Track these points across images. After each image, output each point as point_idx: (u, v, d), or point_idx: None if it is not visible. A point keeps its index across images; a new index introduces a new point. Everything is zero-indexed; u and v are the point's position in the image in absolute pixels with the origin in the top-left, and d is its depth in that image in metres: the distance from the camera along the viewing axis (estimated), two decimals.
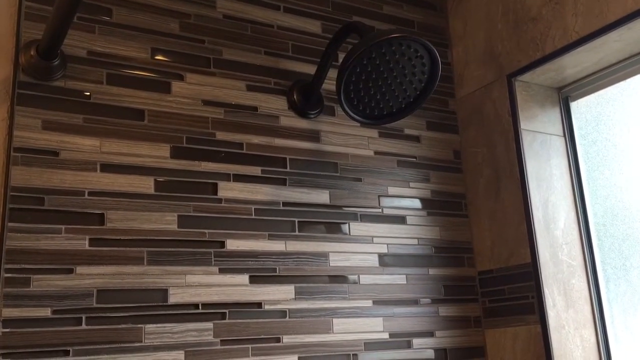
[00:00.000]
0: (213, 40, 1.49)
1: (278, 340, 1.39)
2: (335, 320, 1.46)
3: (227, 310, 1.35)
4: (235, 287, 1.37)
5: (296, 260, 1.46)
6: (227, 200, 1.41)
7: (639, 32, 1.45)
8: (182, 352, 1.28)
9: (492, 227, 1.68)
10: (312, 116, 1.57)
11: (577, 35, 1.51)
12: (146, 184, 1.33)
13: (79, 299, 1.21)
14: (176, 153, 1.38)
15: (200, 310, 1.32)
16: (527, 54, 1.63)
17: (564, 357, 1.52)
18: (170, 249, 1.32)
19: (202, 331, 1.31)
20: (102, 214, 1.27)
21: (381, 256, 1.57)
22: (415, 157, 1.71)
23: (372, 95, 1.35)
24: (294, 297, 1.43)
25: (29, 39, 1.27)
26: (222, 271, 1.36)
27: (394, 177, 1.65)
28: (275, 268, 1.43)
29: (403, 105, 1.39)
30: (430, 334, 1.59)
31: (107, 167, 1.30)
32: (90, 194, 1.27)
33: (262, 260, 1.41)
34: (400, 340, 1.54)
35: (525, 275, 1.58)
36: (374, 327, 1.51)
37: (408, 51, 1.29)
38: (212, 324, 1.32)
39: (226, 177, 1.42)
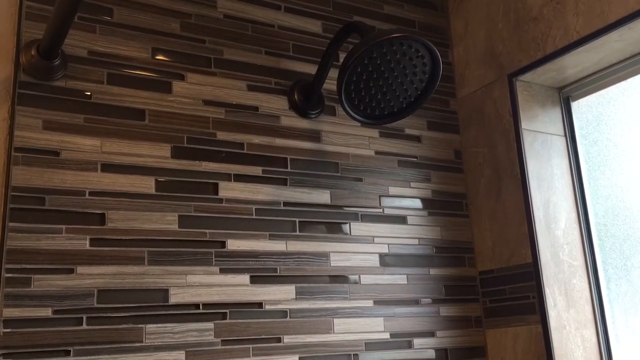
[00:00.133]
0: (214, 40, 1.48)
1: (279, 340, 1.39)
2: (336, 320, 1.46)
3: (227, 310, 1.35)
4: (236, 287, 1.37)
5: (297, 260, 1.45)
6: (228, 200, 1.41)
7: None
8: (183, 352, 1.28)
9: (493, 227, 1.68)
10: (312, 116, 1.57)
11: (578, 35, 1.51)
12: (147, 184, 1.33)
13: (79, 299, 1.21)
14: (177, 153, 1.38)
15: (201, 310, 1.32)
16: (528, 54, 1.63)
17: (565, 357, 1.52)
18: (171, 249, 1.32)
19: (202, 331, 1.31)
20: (103, 214, 1.27)
21: (382, 256, 1.57)
22: (416, 157, 1.70)
23: (373, 95, 1.35)
24: (294, 297, 1.43)
25: (30, 38, 1.27)
26: (223, 271, 1.36)
27: (394, 177, 1.65)
28: (276, 268, 1.43)
29: (404, 105, 1.39)
30: (431, 334, 1.59)
31: (107, 167, 1.30)
32: (91, 194, 1.27)
33: (263, 260, 1.41)
34: (401, 340, 1.54)
35: (526, 275, 1.58)
36: (375, 327, 1.51)
37: (409, 51, 1.29)
38: (212, 324, 1.32)
39: (227, 177, 1.42)
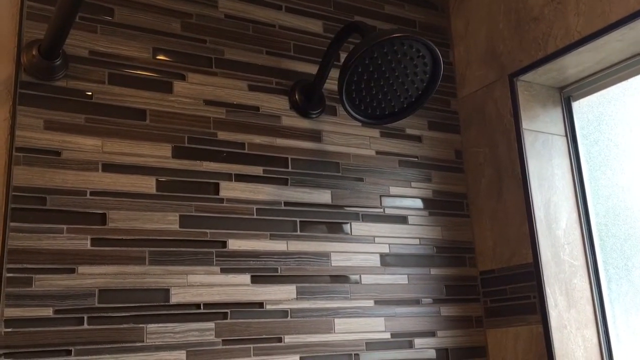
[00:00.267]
0: (215, 40, 1.49)
1: (280, 340, 1.39)
2: (336, 320, 1.46)
3: (228, 310, 1.35)
4: (237, 287, 1.37)
5: (298, 260, 1.46)
6: (229, 200, 1.41)
7: None
8: (184, 352, 1.28)
9: (493, 227, 1.68)
10: (313, 116, 1.57)
11: (579, 35, 1.51)
12: (148, 184, 1.33)
13: (80, 298, 1.21)
14: (178, 153, 1.38)
15: (201, 310, 1.32)
16: (529, 54, 1.63)
17: (566, 357, 1.52)
18: (172, 249, 1.32)
19: (203, 331, 1.31)
20: (104, 213, 1.27)
21: (383, 256, 1.57)
22: (416, 157, 1.70)
23: (373, 95, 1.35)
24: (295, 297, 1.43)
25: (31, 38, 1.27)
26: (224, 271, 1.36)
27: (395, 177, 1.65)
28: (277, 268, 1.43)
29: (405, 105, 1.39)
30: (431, 334, 1.59)
31: (108, 167, 1.30)
32: (92, 193, 1.27)
33: (264, 260, 1.41)
34: (401, 340, 1.54)
35: (527, 275, 1.58)
36: (376, 327, 1.51)
37: (410, 51, 1.29)
38: (213, 324, 1.32)
39: (228, 177, 1.42)
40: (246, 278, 1.38)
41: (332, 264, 1.50)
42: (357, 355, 1.47)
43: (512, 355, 1.60)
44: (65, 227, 1.23)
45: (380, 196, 1.61)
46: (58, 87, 1.29)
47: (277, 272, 1.42)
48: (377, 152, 1.64)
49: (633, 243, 1.57)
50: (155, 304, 1.28)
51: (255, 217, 1.43)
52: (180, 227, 1.34)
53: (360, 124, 1.61)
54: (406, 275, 1.59)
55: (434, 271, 1.64)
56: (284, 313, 1.41)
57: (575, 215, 1.65)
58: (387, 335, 1.52)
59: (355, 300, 1.50)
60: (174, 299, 1.30)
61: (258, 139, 1.48)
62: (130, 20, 1.39)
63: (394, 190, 1.64)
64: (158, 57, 1.41)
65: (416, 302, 1.59)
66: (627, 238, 1.58)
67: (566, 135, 1.70)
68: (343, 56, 1.38)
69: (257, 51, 1.54)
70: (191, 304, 1.31)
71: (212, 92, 1.45)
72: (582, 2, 1.51)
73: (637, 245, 1.56)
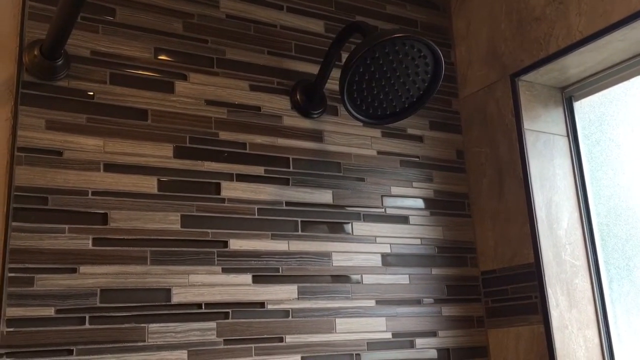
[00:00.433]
0: (216, 40, 1.49)
1: (281, 340, 1.39)
2: (338, 320, 1.46)
3: (230, 310, 1.35)
4: (238, 286, 1.37)
5: (299, 260, 1.46)
6: (230, 200, 1.41)
7: None
8: (185, 351, 1.28)
9: (495, 227, 1.68)
10: (315, 116, 1.57)
11: (580, 35, 1.51)
12: (149, 184, 1.33)
13: (82, 298, 1.21)
14: (179, 153, 1.38)
15: (203, 310, 1.32)
16: (531, 54, 1.63)
17: (567, 357, 1.52)
18: (173, 249, 1.32)
19: (205, 331, 1.31)
20: (106, 213, 1.27)
21: (384, 256, 1.57)
22: (418, 157, 1.70)
23: (375, 95, 1.35)
24: (296, 296, 1.43)
25: (33, 38, 1.27)
26: (225, 271, 1.36)
27: (397, 177, 1.65)
28: (278, 268, 1.43)
29: (406, 105, 1.39)
30: (433, 333, 1.59)
31: (110, 167, 1.30)
32: (93, 193, 1.27)
33: (265, 260, 1.41)
34: (403, 340, 1.54)
35: (529, 275, 1.58)
36: (377, 327, 1.51)
37: (411, 51, 1.29)
38: (215, 324, 1.32)
39: (229, 177, 1.42)
40: (247, 278, 1.38)
41: (334, 264, 1.50)
42: (358, 355, 1.47)
43: (514, 356, 1.60)
44: (67, 226, 1.23)
45: (382, 196, 1.61)
46: (60, 87, 1.29)
47: (279, 272, 1.42)
48: (379, 152, 1.64)
49: (634, 243, 1.57)
50: (156, 303, 1.28)
51: (256, 217, 1.43)
52: (181, 227, 1.34)
53: (361, 124, 1.61)
54: (407, 275, 1.59)
55: (435, 271, 1.64)
56: (285, 313, 1.41)
57: (576, 215, 1.64)
58: (389, 335, 1.52)
59: (356, 300, 1.50)
60: (175, 299, 1.30)
61: (259, 139, 1.48)
62: (131, 21, 1.39)
63: (395, 190, 1.64)
64: (160, 57, 1.41)
65: (417, 302, 1.59)
66: (629, 238, 1.58)
67: (568, 136, 1.70)
68: (344, 56, 1.38)
69: (258, 51, 1.54)
70: (192, 303, 1.31)
71: (214, 92, 1.45)
72: (584, 2, 1.51)
73: (638, 246, 1.56)
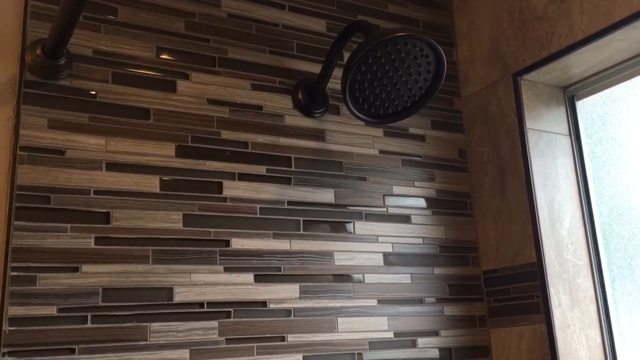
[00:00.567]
0: (218, 39, 1.49)
1: (283, 339, 1.39)
2: (340, 319, 1.46)
3: (232, 309, 1.35)
4: (240, 286, 1.37)
5: (301, 259, 1.46)
6: (232, 199, 1.41)
7: None
8: (187, 350, 1.28)
9: (497, 226, 1.68)
10: (317, 115, 1.57)
11: (583, 34, 1.51)
12: (151, 183, 1.33)
13: (84, 297, 1.21)
14: (181, 152, 1.38)
15: (205, 309, 1.32)
16: (533, 53, 1.62)
17: (570, 356, 1.52)
18: (175, 248, 1.32)
19: (207, 330, 1.31)
20: (108, 212, 1.27)
21: (386, 255, 1.57)
22: (420, 156, 1.70)
23: (377, 94, 1.35)
24: (298, 296, 1.43)
25: (35, 38, 1.28)
26: (227, 270, 1.36)
27: (398, 176, 1.65)
28: (280, 267, 1.43)
29: (408, 104, 1.39)
30: (435, 333, 1.59)
31: (112, 166, 1.30)
32: (95, 192, 1.27)
33: (267, 259, 1.42)
34: (405, 339, 1.54)
35: (531, 275, 1.58)
36: (379, 326, 1.51)
37: (413, 50, 1.29)
38: (217, 323, 1.32)
39: (231, 176, 1.42)
40: (249, 277, 1.38)
41: (335, 263, 1.50)
42: (360, 354, 1.47)
43: (516, 355, 1.60)
44: (69, 226, 1.23)
45: (384, 195, 1.61)
46: (62, 87, 1.29)
47: (281, 271, 1.42)
48: (381, 152, 1.64)
49: (637, 242, 1.57)
50: (158, 302, 1.28)
51: (258, 216, 1.43)
52: (183, 226, 1.34)
53: (363, 123, 1.61)
54: (409, 275, 1.59)
55: (437, 270, 1.64)
56: (287, 312, 1.41)
57: (579, 214, 1.64)
58: (391, 335, 1.52)
59: (358, 299, 1.50)
60: (177, 298, 1.30)
61: (261, 138, 1.48)
62: (133, 20, 1.39)
63: (397, 189, 1.64)
64: (161, 57, 1.41)
65: (419, 301, 1.59)
66: (631, 237, 1.58)
67: (570, 135, 1.70)
68: (346, 55, 1.38)
69: (260, 50, 1.54)
70: (194, 302, 1.31)
71: (216, 91, 1.45)
72: (586, 1, 1.50)
73: None
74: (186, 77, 1.43)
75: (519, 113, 1.64)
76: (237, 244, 1.39)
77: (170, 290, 1.30)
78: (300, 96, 1.54)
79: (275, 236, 1.44)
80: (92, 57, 1.33)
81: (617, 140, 1.63)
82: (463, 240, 1.71)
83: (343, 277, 1.50)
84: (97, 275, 1.23)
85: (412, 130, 1.71)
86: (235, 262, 1.38)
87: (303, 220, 1.48)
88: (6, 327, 1.14)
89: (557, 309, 1.54)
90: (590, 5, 1.50)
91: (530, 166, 1.61)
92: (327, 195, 1.53)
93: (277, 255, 1.43)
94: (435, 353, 1.57)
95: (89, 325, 1.21)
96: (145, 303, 1.26)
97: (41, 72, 1.26)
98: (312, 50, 1.61)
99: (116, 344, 1.22)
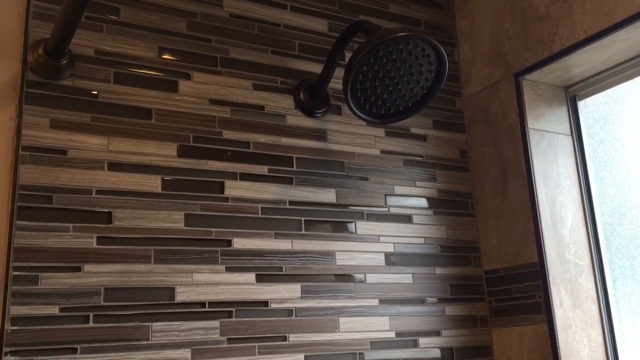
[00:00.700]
0: (220, 39, 1.49)
1: (284, 338, 1.39)
2: (341, 319, 1.46)
3: (233, 309, 1.35)
4: (242, 285, 1.37)
5: (302, 259, 1.46)
6: (234, 199, 1.41)
7: None
8: (189, 350, 1.28)
9: (498, 226, 1.68)
10: (318, 115, 1.57)
11: (585, 34, 1.50)
12: (153, 183, 1.33)
13: (86, 297, 1.21)
14: (183, 152, 1.38)
15: (206, 309, 1.32)
16: (535, 53, 1.62)
17: (571, 356, 1.52)
18: (177, 248, 1.32)
19: (208, 329, 1.31)
20: (110, 212, 1.28)
21: (387, 255, 1.57)
22: (421, 156, 1.70)
23: (378, 94, 1.35)
24: (300, 295, 1.43)
25: (37, 38, 1.28)
26: (229, 270, 1.37)
27: (400, 176, 1.65)
28: (282, 267, 1.43)
29: (410, 104, 1.39)
30: (436, 333, 1.59)
31: (114, 166, 1.30)
32: (97, 192, 1.27)
33: (269, 259, 1.42)
34: (406, 339, 1.54)
35: (532, 275, 1.58)
36: (380, 326, 1.51)
37: (415, 50, 1.29)
38: (218, 323, 1.33)
39: (233, 175, 1.43)
40: (251, 277, 1.39)
41: (337, 263, 1.50)
42: (361, 354, 1.47)
43: (517, 355, 1.60)
44: (71, 225, 1.23)
45: (385, 195, 1.61)
46: (64, 86, 1.29)
47: (282, 271, 1.43)
48: (382, 152, 1.64)
49: (639, 243, 1.56)
50: (160, 302, 1.28)
51: (260, 216, 1.43)
52: (185, 225, 1.34)
53: (365, 123, 1.61)
54: (411, 275, 1.59)
55: (438, 270, 1.64)
56: (289, 312, 1.41)
57: (580, 214, 1.64)
58: (392, 335, 1.52)
59: (360, 299, 1.50)
60: (179, 298, 1.30)
61: (263, 138, 1.48)
62: (135, 20, 1.40)
63: (398, 189, 1.64)
64: (163, 57, 1.41)
65: (421, 301, 1.59)
66: (633, 237, 1.58)
67: (572, 135, 1.70)
68: (348, 55, 1.38)
69: (262, 50, 1.54)
70: (196, 302, 1.31)
71: (217, 91, 1.46)
72: (588, 1, 1.50)
73: None
74: (188, 77, 1.43)
75: (520, 113, 1.64)
76: (239, 243, 1.39)
77: (172, 290, 1.30)
78: (301, 96, 1.54)
79: (277, 236, 1.44)
80: (94, 57, 1.33)
81: (619, 140, 1.63)
82: (464, 240, 1.71)
83: (344, 277, 1.50)
84: (99, 274, 1.24)
85: (413, 130, 1.71)
86: (237, 262, 1.38)
87: (305, 220, 1.48)
88: (8, 327, 1.14)
89: (559, 309, 1.54)
90: (592, 5, 1.50)
91: (532, 166, 1.61)
92: (328, 195, 1.53)
93: (279, 255, 1.43)
94: (436, 353, 1.57)
95: (91, 324, 1.21)
96: (147, 303, 1.27)
97: (43, 72, 1.26)
98: (313, 50, 1.61)
99: (118, 343, 1.22)
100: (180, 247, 1.33)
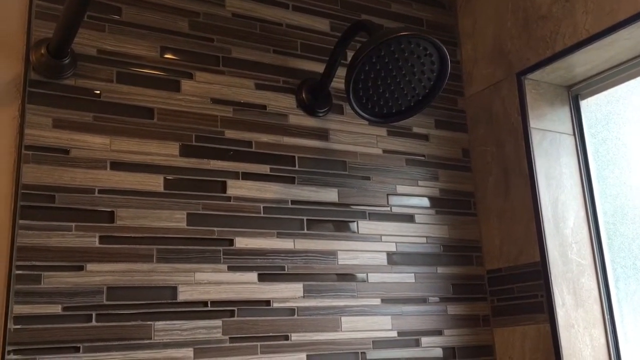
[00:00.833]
0: (222, 38, 1.49)
1: (286, 338, 1.39)
2: (343, 319, 1.46)
3: (235, 308, 1.35)
4: (244, 284, 1.37)
5: (305, 259, 1.46)
6: (236, 198, 1.41)
7: None
8: (191, 349, 1.28)
9: (501, 225, 1.68)
10: (320, 114, 1.57)
11: (587, 33, 1.50)
12: (155, 182, 1.33)
13: (89, 296, 1.22)
14: (185, 151, 1.38)
15: (209, 308, 1.32)
16: (537, 52, 1.62)
17: (573, 356, 1.52)
18: (179, 247, 1.32)
19: (211, 329, 1.31)
20: (112, 211, 1.28)
21: (390, 254, 1.57)
22: (424, 156, 1.70)
23: (380, 94, 1.35)
24: (302, 295, 1.43)
25: (40, 37, 1.28)
26: (231, 269, 1.37)
27: (402, 175, 1.65)
28: (284, 266, 1.43)
29: (412, 104, 1.39)
30: (438, 332, 1.59)
31: (116, 165, 1.30)
32: (100, 191, 1.27)
33: (271, 259, 1.42)
34: (408, 338, 1.54)
35: (535, 274, 1.58)
36: (383, 326, 1.51)
37: (417, 49, 1.29)
38: (221, 322, 1.33)
39: (235, 175, 1.43)
40: (253, 276, 1.39)
41: (339, 263, 1.50)
42: (363, 353, 1.47)
43: (520, 354, 1.60)
44: (73, 224, 1.23)
45: (387, 195, 1.61)
46: (66, 86, 1.29)
47: (284, 270, 1.43)
48: (384, 151, 1.64)
49: None
50: (162, 301, 1.28)
51: (262, 215, 1.43)
52: (187, 225, 1.34)
53: (367, 122, 1.61)
54: (413, 274, 1.59)
55: (440, 270, 1.64)
56: (291, 311, 1.41)
57: (583, 214, 1.64)
58: (394, 334, 1.52)
59: (362, 298, 1.50)
60: (181, 297, 1.30)
61: (265, 138, 1.49)
62: (138, 19, 1.40)
63: (400, 188, 1.64)
64: (166, 56, 1.42)
65: (423, 300, 1.59)
66: (635, 237, 1.58)
67: (574, 134, 1.70)
68: (350, 55, 1.38)
69: (264, 50, 1.54)
70: (198, 301, 1.32)
71: (220, 90, 1.46)
72: (590, 0, 1.50)
73: None
74: (190, 76, 1.43)
75: (522, 112, 1.64)
76: (241, 243, 1.39)
77: (174, 289, 1.30)
78: (304, 95, 1.54)
79: (279, 235, 1.44)
80: (97, 56, 1.34)
81: (622, 140, 1.63)
82: (467, 239, 1.71)
83: (347, 276, 1.50)
84: (101, 274, 1.24)
85: (415, 130, 1.71)
86: (239, 261, 1.38)
87: (307, 220, 1.48)
88: (11, 326, 1.14)
89: (561, 309, 1.54)
90: (594, 4, 1.49)
91: (534, 165, 1.61)
92: (330, 195, 1.53)
93: (281, 255, 1.43)
94: (438, 352, 1.57)
95: (94, 323, 1.21)
96: (149, 302, 1.27)
97: (46, 71, 1.26)
98: (315, 50, 1.61)
99: (120, 342, 1.22)
100: (182, 247, 1.33)
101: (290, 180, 1.49)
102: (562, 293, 1.55)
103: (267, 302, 1.39)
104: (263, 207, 1.44)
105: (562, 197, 1.62)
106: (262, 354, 1.35)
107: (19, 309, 1.15)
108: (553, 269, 1.55)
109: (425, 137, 1.72)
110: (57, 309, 1.19)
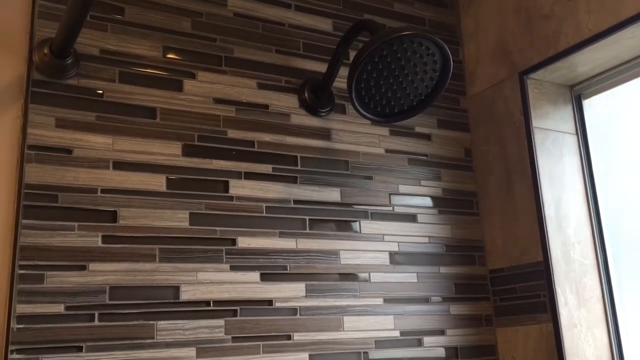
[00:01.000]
0: (224, 38, 1.49)
1: (289, 337, 1.39)
2: (345, 318, 1.46)
3: (238, 308, 1.35)
4: (247, 284, 1.37)
5: (307, 258, 1.46)
6: (239, 198, 1.41)
7: None
8: (194, 348, 1.29)
9: (503, 225, 1.68)
10: (323, 114, 1.57)
11: (590, 33, 1.50)
12: (158, 182, 1.34)
13: (91, 295, 1.22)
14: (188, 151, 1.38)
15: (211, 308, 1.32)
16: (539, 52, 1.62)
17: (576, 356, 1.52)
18: (181, 247, 1.32)
19: (213, 328, 1.31)
20: (115, 211, 1.28)
21: (392, 254, 1.57)
22: (426, 155, 1.70)
23: (383, 93, 1.35)
24: (304, 294, 1.43)
25: (43, 37, 1.28)
26: (233, 268, 1.37)
27: (405, 175, 1.65)
28: (286, 266, 1.43)
29: (414, 103, 1.39)
30: (441, 332, 1.59)
31: (119, 165, 1.30)
32: (102, 191, 1.28)
33: (273, 258, 1.42)
34: (411, 338, 1.54)
35: (537, 274, 1.57)
36: (385, 325, 1.51)
37: (419, 49, 1.29)
38: (223, 321, 1.33)
39: (237, 175, 1.43)
40: (255, 276, 1.39)
41: (341, 262, 1.50)
42: (366, 353, 1.47)
43: (522, 354, 1.60)
44: (76, 224, 1.24)
45: (390, 194, 1.61)
46: (69, 86, 1.29)
47: (287, 269, 1.43)
48: (387, 150, 1.64)
49: None
50: (165, 301, 1.28)
51: (264, 215, 1.43)
52: (190, 224, 1.34)
53: (369, 122, 1.61)
54: (415, 274, 1.59)
55: (443, 269, 1.64)
56: (293, 311, 1.41)
57: (585, 213, 1.64)
58: (397, 334, 1.52)
59: (364, 298, 1.50)
60: (183, 296, 1.30)
61: (267, 137, 1.49)
62: (140, 19, 1.40)
63: (403, 188, 1.64)
64: (168, 56, 1.42)
65: (425, 300, 1.59)
66: (638, 236, 1.57)
67: (577, 134, 1.69)
68: (352, 54, 1.38)
69: (266, 49, 1.54)
70: (201, 301, 1.32)
71: (222, 90, 1.46)
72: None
73: None
74: (192, 76, 1.43)
75: (525, 112, 1.64)
76: (243, 242, 1.39)
77: (176, 289, 1.30)
78: (306, 95, 1.55)
79: (281, 235, 1.44)
80: (99, 56, 1.34)
81: (624, 139, 1.63)
82: (469, 239, 1.71)
83: (349, 276, 1.50)
84: (104, 273, 1.24)
85: (418, 129, 1.71)
86: (242, 260, 1.38)
87: (309, 219, 1.48)
88: (14, 325, 1.14)
89: (564, 308, 1.53)
90: (597, 3, 1.49)
91: (537, 165, 1.61)
92: (333, 194, 1.53)
93: (283, 254, 1.43)
94: (441, 352, 1.57)
95: (96, 323, 1.21)
96: (151, 301, 1.27)
97: (48, 71, 1.27)
98: (318, 49, 1.61)
99: (123, 342, 1.22)
100: (185, 246, 1.33)
101: (293, 180, 1.49)
102: (564, 293, 1.55)
103: (270, 302, 1.39)
104: (265, 206, 1.44)
105: (565, 196, 1.62)
106: (264, 353, 1.35)
107: (21, 309, 1.16)
108: (556, 268, 1.55)
109: (427, 137, 1.72)
110: (59, 309, 1.19)
